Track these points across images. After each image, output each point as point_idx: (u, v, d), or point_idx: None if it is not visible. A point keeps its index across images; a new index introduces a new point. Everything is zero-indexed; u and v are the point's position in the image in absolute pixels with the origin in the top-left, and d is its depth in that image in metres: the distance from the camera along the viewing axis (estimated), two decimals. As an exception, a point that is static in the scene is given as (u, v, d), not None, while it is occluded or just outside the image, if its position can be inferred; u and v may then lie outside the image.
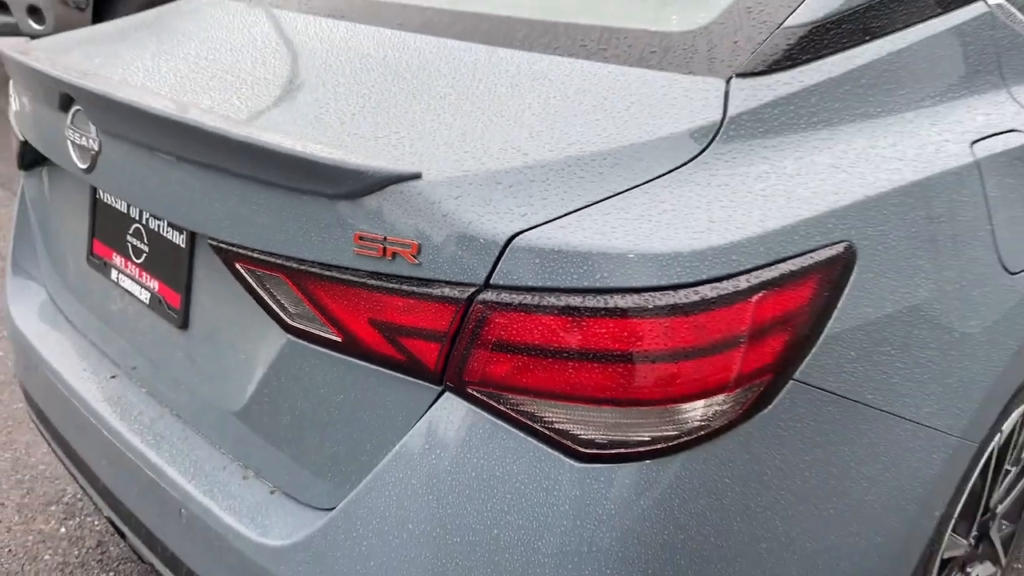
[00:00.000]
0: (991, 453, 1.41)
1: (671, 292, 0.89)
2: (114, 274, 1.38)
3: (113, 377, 1.42)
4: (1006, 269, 1.23)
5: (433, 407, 0.96)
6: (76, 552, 2.02)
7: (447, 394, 0.96)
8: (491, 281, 0.90)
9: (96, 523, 2.11)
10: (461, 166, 0.94)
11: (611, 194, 0.94)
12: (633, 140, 0.99)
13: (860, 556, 1.13)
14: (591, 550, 0.92)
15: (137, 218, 1.31)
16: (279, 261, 1.01)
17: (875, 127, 1.14)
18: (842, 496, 1.08)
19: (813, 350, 0.98)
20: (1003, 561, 1.74)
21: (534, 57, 1.17)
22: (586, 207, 0.92)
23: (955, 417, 1.17)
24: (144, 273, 1.31)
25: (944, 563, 1.47)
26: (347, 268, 0.96)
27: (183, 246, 1.22)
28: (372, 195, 0.93)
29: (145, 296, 1.31)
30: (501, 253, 0.89)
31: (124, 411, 1.34)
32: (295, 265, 0.99)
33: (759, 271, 0.93)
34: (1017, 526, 1.76)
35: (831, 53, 1.12)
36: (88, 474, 1.45)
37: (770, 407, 0.96)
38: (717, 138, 1.01)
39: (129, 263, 1.34)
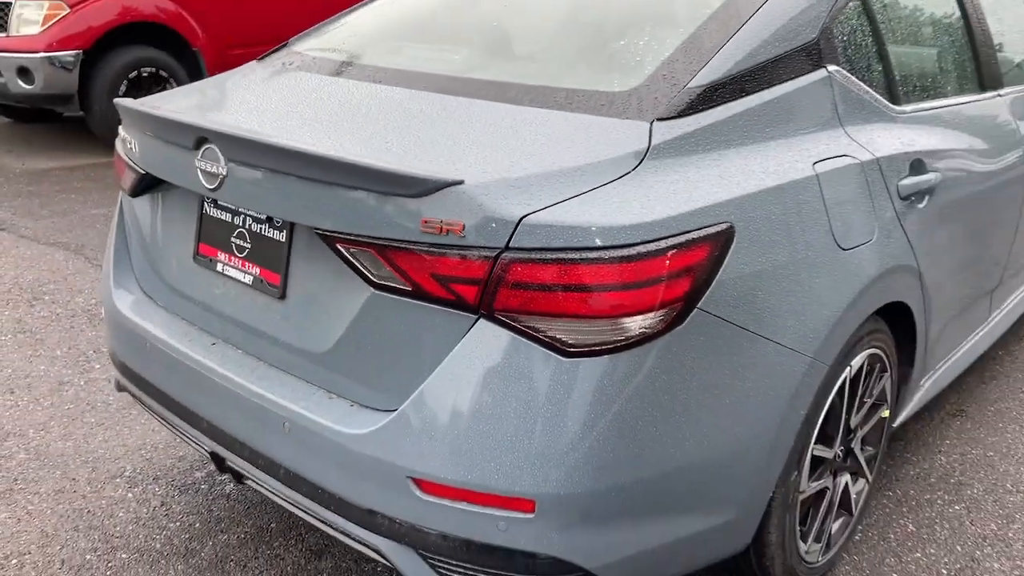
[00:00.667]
0: (844, 382, 2.00)
1: (619, 249, 1.46)
2: (219, 267, 1.91)
3: (213, 344, 1.94)
4: (839, 246, 1.84)
5: (472, 329, 1.52)
6: (145, 510, 2.48)
7: (481, 319, 1.51)
8: (509, 245, 1.47)
9: (157, 489, 2.57)
10: (487, 175, 1.52)
11: (581, 192, 1.52)
12: (593, 159, 1.57)
13: (745, 437, 1.71)
14: (573, 409, 1.48)
15: (241, 224, 1.85)
16: (369, 240, 1.56)
17: (748, 151, 1.75)
18: (731, 391, 1.65)
19: (709, 290, 1.57)
20: (869, 477, 2.34)
21: (526, 109, 1.76)
22: (566, 200, 1.50)
23: (807, 342, 1.76)
24: (247, 263, 1.84)
25: (818, 462, 2.05)
26: (416, 241, 1.51)
27: (283, 240, 1.76)
28: (433, 194, 1.49)
29: (248, 279, 1.84)
30: (515, 228, 1.46)
31: (229, 364, 1.85)
32: (380, 242, 1.55)
33: (672, 238, 1.51)
34: (878, 450, 2.36)
35: (718, 105, 1.73)
36: (193, 418, 1.95)
37: (683, 325, 1.54)
38: (645, 159, 1.60)
39: (233, 257, 1.87)
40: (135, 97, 2.29)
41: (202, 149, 1.79)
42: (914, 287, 2.15)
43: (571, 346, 1.48)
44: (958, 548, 2.37)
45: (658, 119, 1.67)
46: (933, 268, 2.22)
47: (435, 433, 1.54)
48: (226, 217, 1.89)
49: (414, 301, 1.56)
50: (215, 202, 1.90)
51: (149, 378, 2.07)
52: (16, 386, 3.13)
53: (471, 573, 1.61)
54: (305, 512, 1.81)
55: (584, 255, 1.46)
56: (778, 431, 1.77)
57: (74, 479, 2.62)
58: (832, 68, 2.00)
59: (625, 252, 1.47)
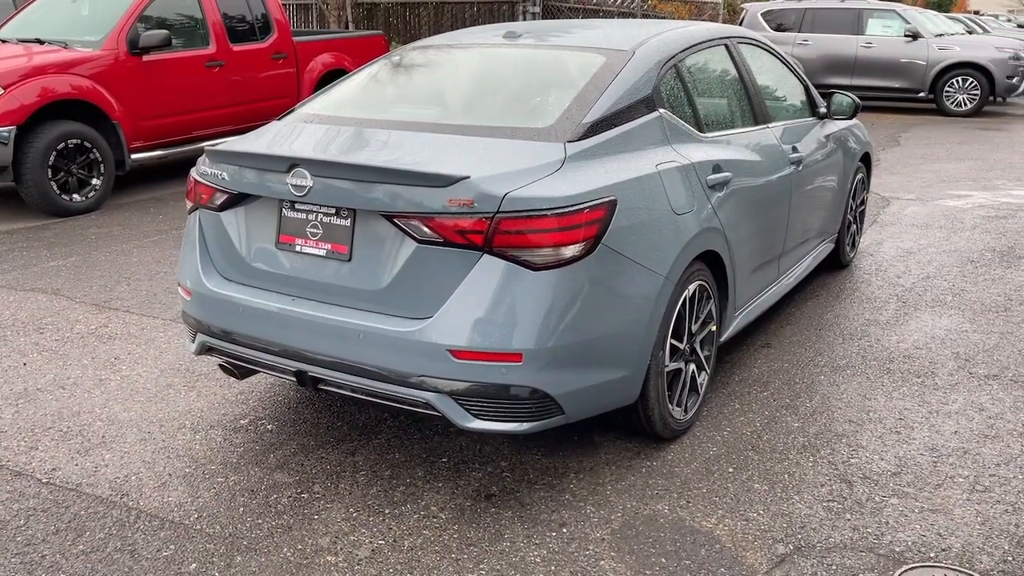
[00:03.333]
0: (684, 300, 3.28)
1: (558, 209, 2.68)
2: (298, 248, 2.98)
3: (293, 299, 2.99)
4: (675, 212, 3.13)
5: (479, 260, 2.67)
6: (214, 444, 3.43)
7: (484, 255, 2.67)
8: (499, 210, 2.65)
9: (216, 433, 3.53)
10: (481, 172, 2.69)
11: (533, 180, 2.72)
12: (536, 164, 2.79)
13: (633, 320, 2.94)
14: (539, 301, 2.67)
15: (313, 219, 2.93)
16: (416, 213, 2.70)
17: (620, 159, 3.02)
18: (623, 291, 2.89)
19: (606, 234, 2.80)
20: (708, 370, 3.62)
21: (488, 139, 2.97)
22: (526, 184, 2.70)
23: (661, 267, 3.02)
24: (319, 243, 2.93)
25: (675, 350, 3.30)
26: (444, 212, 2.67)
27: (348, 224, 2.86)
28: (453, 185, 2.65)
29: (322, 252, 2.92)
30: (501, 200, 2.65)
31: (309, 308, 2.92)
32: (423, 214, 2.69)
33: (585, 204, 2.74)
34: (711, 353, 3.65)
35: (600, 133, 3.00)
36: (282, 350, 2.98)
37: (595, 252, 2.76)
38: (565, 163, 2.84)
39: (308, 241, 2.95)
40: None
41: (292, 171, 2.88)
42: (721, 243, 3.49)
43: (536, 265, 2.67)
44: (766, 413, 3.68)
45: (568, 141, 2.92)
46: (732, 231, 3.56)
47: (462, 321, 2.68)
48: (301, 216, 2.97)
49: (443, 248, 2.71)
50: (293, 206, 2.98)
51: (241, 331, 3.08)
52: (64, 383, 3.97)
53: (483, 404, 2.74)
54: (367, 395, 2.89)
55: (539, 213, 2.65)
56: (650, 319, 3.02)
57: (149, 432, 3.53)
58: (662, 111, 3.33)
59: (561, 211, 2.67)
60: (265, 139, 3.29)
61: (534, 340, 2.69)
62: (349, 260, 2.89)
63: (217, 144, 3.23)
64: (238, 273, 3.16)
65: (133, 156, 7.81)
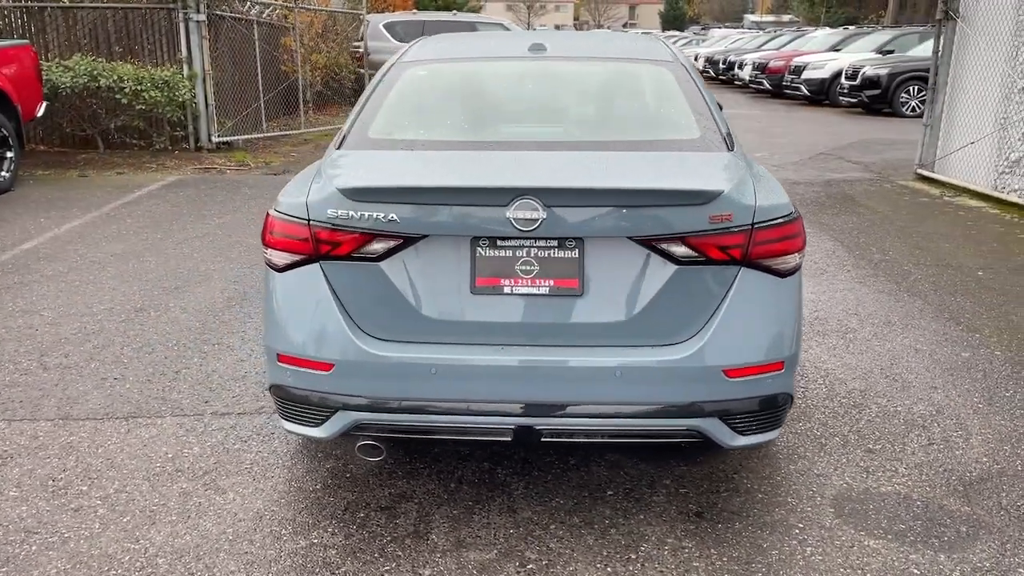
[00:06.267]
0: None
1: (789, 216, 2.73)
2: (506, 290, 2.59)
3: (502, 348, 2.61)
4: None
5: (739, 274, 2.61)
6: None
7: (742, 268, 2.61)
8: (754, 221, 2.62)
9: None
10: (726, 187, 2.63)
11: (751, 190, 2.73)
12: (737, 174, 2.79)
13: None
14: (791, 312, 2.72)
15: (525, 255, 2.59)
16: (676, 235, 2.54)
17: (754, 165, 3.14)
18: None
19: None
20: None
21: (669, 154, 2.89)
22: (754, 195, 2.70)
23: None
24: (537, 281, 2.59)
25: None
26: (705, 230, 2.55)
27: (576, 256, 2.58)
28: (713, 201, 2.56)
29: (544, 291, 2.59)
30: (754, 211, 2.63)
31: (536, 352, 2.58)
32: (683, 234, 2.54)
33: (795, 210, 2.84)
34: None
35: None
36: (499, 408, 2.59)
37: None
38: (748, 172, 2.87)
39: (519, 280, 2.59)
40: None
41: (515, 202, 2.51)
42: None
43: (783, 273, 2.69)
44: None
45: (730, 151, 2.97)
46: None
47: (732, 339, 2.61)
48: (505, 253, 2.60)
49: (703, 266, 2.60)
50: (494, 243, 2.59)
51: (434, 397, 2.60)
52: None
53: (749, 419, 2.70)
54: (615, 436, 2.66)
55: (783, 221, 2.65)
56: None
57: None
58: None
59: (790, 218, 2.72)
60: (420, 171, 2.79)
61: (791, 346, 2.72)
62: (581, 295, 2.62)
63: (356, 182, 2.64)
64: (410, 331, 2.65)
65: None
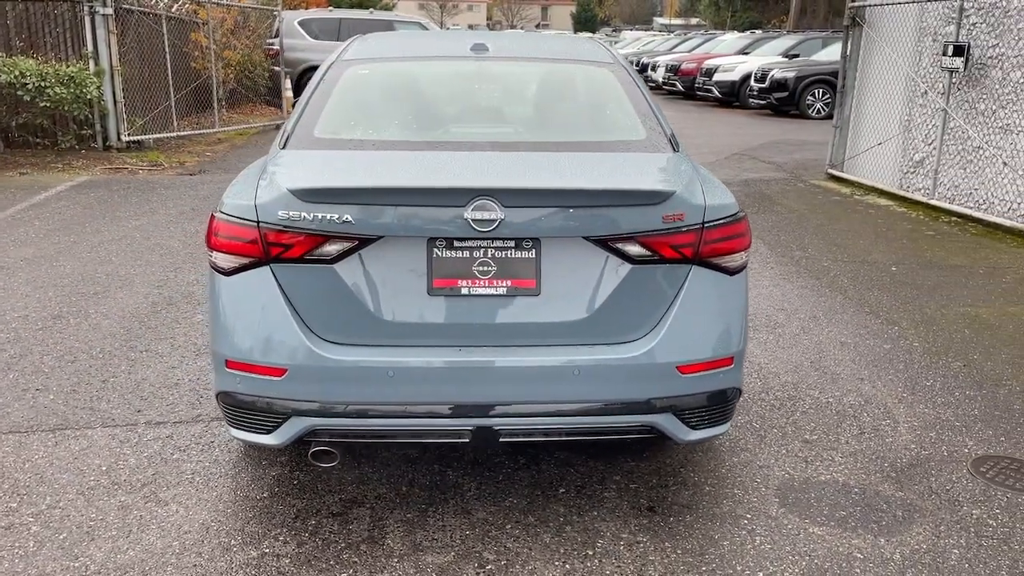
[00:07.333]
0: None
1: (737, 215, 2.81)
2: (464, 291, 2.58)
3: (460, 348, 2.60)
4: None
5: (690, 272, 2.67)
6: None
7: (693, 266, 2.67)
8: (704, 220, 2.67)
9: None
10: (678, 187, 2.68)
11: (699, 190, 2.79)
12: (683, 176, 2.85)
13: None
14: (739, 309, 2.78)
15: (482, 256, 2.57)
16: (631, 234, 2.56)
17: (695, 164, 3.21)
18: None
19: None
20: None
21: (615, 154, 2.92)
22: (702, 194, 2.76)
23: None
24: (494, 281, 2.58)
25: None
26: (659, 229, 2.59)
27: (532, 256, 2.59)
28: (667, 200, 2.60)
29: (501, 291, 2.58)
30: (705, 210, 2.68)
31: (491, 354, 2.58)
32: (639, 234, 2.57)
33: (740, 208, 2.91)
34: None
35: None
36: (456, 409, 2.57)
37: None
38: (694, 172, 2.94)
39: (476, 281, 2.58)
40: None
41: (473, 203, 2.50)
42: None
43: (732, 270, 2.76)
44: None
45: (676, 152, 3.02)
46: None
47: (685, 336, 2.67)
48: (462, 254, 2.58)
49: (656, 265, 2.64)
50: (451, 244, 2.57)
51: (390, 400, 2.57)
52: None
53: (700, 414, 2.75)
54: (573, 434, 2.68)
55: (730, 220, 2.73)
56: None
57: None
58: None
59: (738, 216, 2.79)
60: (373, 171, 2.74)
61: (739, 342, 2.79)
62: (539, 295, 2.62)
63: (309, 183, 2.57)
64: (365, 334, 2.61)
65: None
